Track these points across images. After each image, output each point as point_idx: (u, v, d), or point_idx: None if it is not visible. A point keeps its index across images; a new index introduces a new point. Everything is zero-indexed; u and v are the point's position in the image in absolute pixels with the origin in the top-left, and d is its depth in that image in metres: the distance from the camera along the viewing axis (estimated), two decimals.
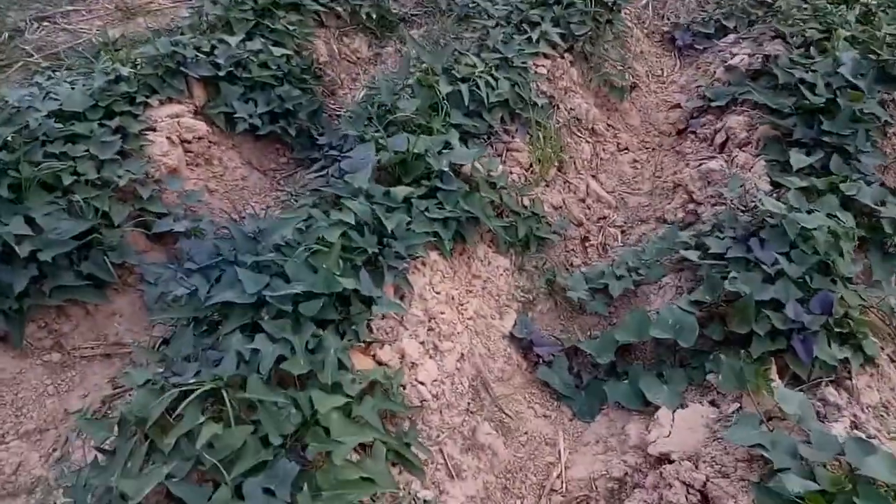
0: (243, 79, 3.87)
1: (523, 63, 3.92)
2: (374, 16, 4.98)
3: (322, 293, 2.25)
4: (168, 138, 3.49)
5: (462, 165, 3.11)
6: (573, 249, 3.48)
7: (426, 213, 2.85)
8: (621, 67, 4.62)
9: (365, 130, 3.44)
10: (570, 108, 4.18)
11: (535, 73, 4.04)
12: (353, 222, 2.63)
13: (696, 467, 2.15)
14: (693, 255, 2.91)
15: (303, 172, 3.96)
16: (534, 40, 4.14)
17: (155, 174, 3.36)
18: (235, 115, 3.78)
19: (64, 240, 2.72)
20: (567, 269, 3.36)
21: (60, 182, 2.97)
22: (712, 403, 2.37)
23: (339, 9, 4.79)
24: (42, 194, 2.90)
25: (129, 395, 2.61)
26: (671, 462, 2.22)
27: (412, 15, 5.28)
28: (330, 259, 2.39)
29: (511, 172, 3.51)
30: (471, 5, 4.72)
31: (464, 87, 3.54)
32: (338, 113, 4.49)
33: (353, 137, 3.38)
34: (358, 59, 4.95)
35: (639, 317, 2.74)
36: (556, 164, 3.72)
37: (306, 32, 4.46)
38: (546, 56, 4.24)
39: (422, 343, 2.48)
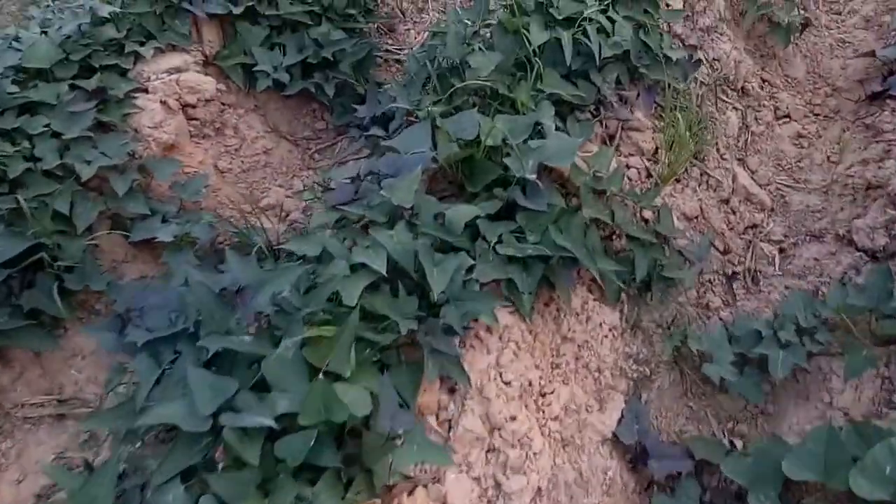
0: (268, 17, 2.91)
1: None
2: None
3: (313, 424, 1.38)
4: (163, 102, 2.62)
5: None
6: (710, 281, 2.43)
7: (497, 250, 1.89)
8: None
9: (420, 102, 2.44)
10: (714, 59, 2.97)
11: (668, 7, 2.84)
12: (383, 271, 1.71)
13: None
14: None
15: (344, 144, 3.03)
16: None
17: (143, 153, 2.53)
18: (256, 68, 2.85)
19: None
20: (700, 316, 2.33)
21: (5, 174, 2.20)
22: None
23: None
24: None
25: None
26: None
27: None
28: (336, 352, 1.50)
29: (628, 166, 2.43)
30: None
31: (565, 35, 2.43)
32: (397, 58, 3.47)
33: (403, 112, 2.39)
34: None
35: (825, 438, 1.72)
36: (693, 148, 2.59)
37: None
38: None
39: (476, 479, 1.59)
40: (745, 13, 3.14)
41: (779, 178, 2.87)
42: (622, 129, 2.48)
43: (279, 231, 2.62)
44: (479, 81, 2.29)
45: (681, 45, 2.78)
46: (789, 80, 3.29)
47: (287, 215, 2.75)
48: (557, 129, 2.36)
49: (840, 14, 3.70)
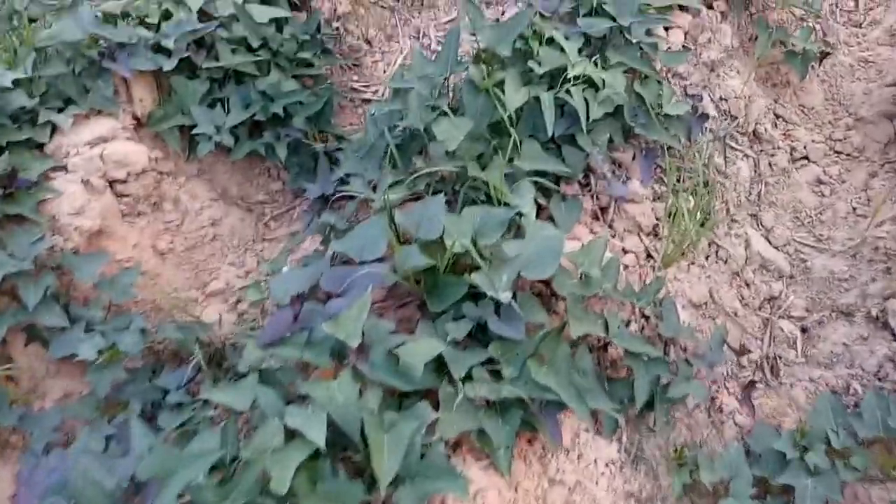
0: (208, 69, 2.53)
1: (648, 33, 2.35)
2: None
3: None
4: (85, 182, 2.27)
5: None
6: (724, 376, 2.09)
7: (466, 391, 1.55)
8: (804, 14, 2.90)
9: (377, 182, 2.08)
10: (721, 98, 2.60)
11: (667, 47, 2.46)
12: (321, 443, 1.37)
13: None
14: None
15: (303, 210, 2.68)
16: None
17: (64, 245, 2.19)
18: (195, 131, 2.49)
19: None
20: (713, 423, 1.99)
21: None
22: None
23: None
24: None
25: None
26: None
27: None
28: None
29: (624, 250, 2.08)
30: None
31: (545, 98, 2.06)
32: (364, 97, 3.10)
33: (355, 202, 2.04)
34: (396, 0, 3.44)
35: None
36: (700, 216, 2.24)
37: None
38: (684, 9, 2.62)
39: None
40: (756, 39, 2.75)
41: (798, 235, 2.51)
42: (615, 203, 2.12)
43: (228, 325, 2.30)
44: (442, 168, 1.93)
45: (683, 93, 2.40)
46: (805, 111, 2.91)
47: (238, 302, 2.42)
48: (540, 207, 2.04)
49: (860, 27, 3.30)
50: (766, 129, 2.62)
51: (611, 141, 2.22)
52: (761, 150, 2.63)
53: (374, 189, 2.09)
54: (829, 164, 2.74)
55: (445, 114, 2.09)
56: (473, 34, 2.30)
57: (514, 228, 1.87)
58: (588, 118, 2.08)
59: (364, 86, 3.15)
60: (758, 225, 2.49)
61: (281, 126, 2.58)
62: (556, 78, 2.12)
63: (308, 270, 1.80)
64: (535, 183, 2.02)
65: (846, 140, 2.80)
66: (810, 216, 2.58)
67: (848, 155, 2.77)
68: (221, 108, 2.52)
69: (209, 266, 2.51)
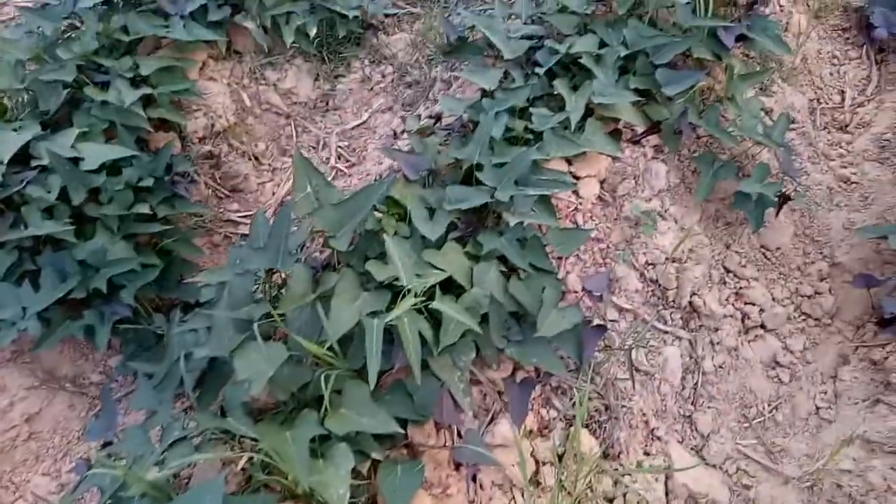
0: (14, 241, 2.09)
1: (542, 200, 1.84)
2: (317, 34, 2.87)
3: None
4: None
5: None
6: None
7: None
8: (762, 139, 2.33)
9: (166, 428, 1.62)
10: (648, 264, 2.06)
11: (572, 209, 1.94)
12: None
13: None
14: None
15: (141, 393, 2.22)
16: (573, 123, 1.99)
17: None
18: None
19: None
20: None
21: None
22: None
23: (250, 25, 2.74)
24: None
25: None
26: None
27: (390, 15, 3.10)
28: None
29: None
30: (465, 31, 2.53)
31: (371, 327, 1.56)
32: (245, 230, 2.63)
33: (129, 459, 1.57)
34: (294, 104, 2.96)
35: None
36: (600, 450, 1.71)
37: (178, 89, 2.51)
38: (605, 154, 2.09)
39: None
40: (702, 181, 2.19)
41: (744, 443, 1.97)
42: (456, 475, 1.61)
43: None
44: (210, 456, 1.45)
45: (580, 284, 1.87)
46: (768, 254, 2.35)
47: None
48: (374, 463, 1.55)
49: (845, 130, 2.73)
50: (704, 303, 2.08)
51: (479, 358, 1.71)
52: (700, 326, 2.09)
53: (162, 436, 1.62)
54: (792, 332, 2.19)
55: (255, 339, 1.61)
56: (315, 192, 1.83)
57: None
58: (436, 343, 1.59)
59: (245, 216, 2.69)
60: (691, 433, 1.96)
61: (105, 303, 2.12)
62: (395, 293, 1.62)
63: None
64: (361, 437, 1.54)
65: (816, 299, 2.24)
66: (762, 413, 2.03)
67: (817, 321, 2.21)
68: (29, 289, 2.07)
69: (17, 478, 2.07)
